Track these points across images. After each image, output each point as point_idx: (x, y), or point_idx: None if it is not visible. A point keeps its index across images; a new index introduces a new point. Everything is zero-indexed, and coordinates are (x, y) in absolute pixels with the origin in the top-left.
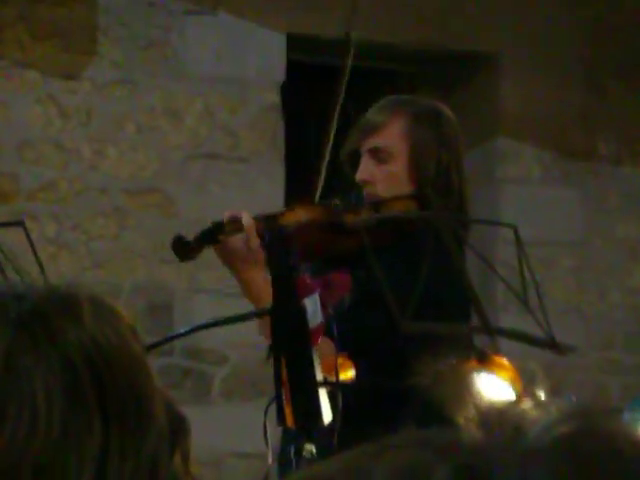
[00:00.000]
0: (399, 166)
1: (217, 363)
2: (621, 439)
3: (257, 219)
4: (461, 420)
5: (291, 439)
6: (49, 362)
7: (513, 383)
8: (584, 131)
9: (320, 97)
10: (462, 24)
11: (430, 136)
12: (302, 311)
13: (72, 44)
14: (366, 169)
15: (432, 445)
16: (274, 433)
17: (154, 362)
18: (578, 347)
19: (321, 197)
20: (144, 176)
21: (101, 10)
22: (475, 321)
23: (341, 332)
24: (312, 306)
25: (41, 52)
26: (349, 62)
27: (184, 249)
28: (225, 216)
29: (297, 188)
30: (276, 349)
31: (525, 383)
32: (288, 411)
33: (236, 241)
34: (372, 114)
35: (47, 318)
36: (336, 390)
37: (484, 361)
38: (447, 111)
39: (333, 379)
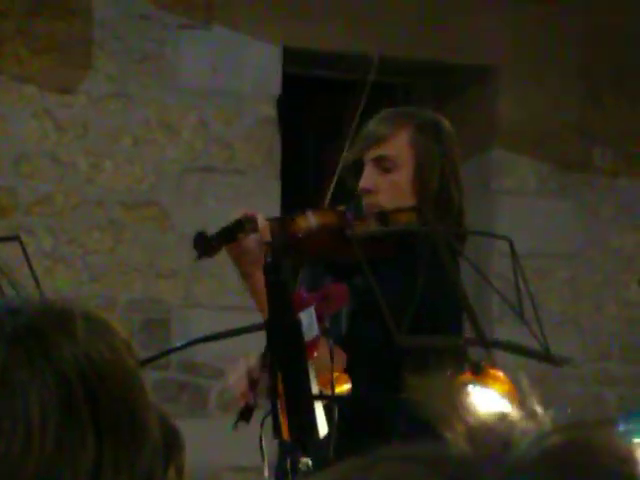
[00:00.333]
0: (403, 176)
1: (213, 377)
2: (608, 453)
3: (270, 221)
4: (451, 434)
5: (287, 452)
6: (44, 377)
7: (508, 396)
8: (580, 143)
9: (317, 110)
10: (458, 36)
11: (433, 148)
12: (297, 324)
13: (69, 58)
14: (370, 178)
15: (422, 458)
16: (270, 446)
17: (150, 376)
18: (574, 359)
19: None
20: (140, 189)
21: (96, 24)
22: (470, 333)
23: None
24: (307, 319)
25: (38, 66)
26: (371, 78)
27: (206, 245)
28: (241, 215)
29: (293, 201)
30: (272, 362)
31: (518, 395)
32: (284, 424)
33: (250, 241)
34: (375, 125)
35: (42, 333)
36: (332, 403)
37: (479, 374)
38: (446, 123)
39: (329, 392)
